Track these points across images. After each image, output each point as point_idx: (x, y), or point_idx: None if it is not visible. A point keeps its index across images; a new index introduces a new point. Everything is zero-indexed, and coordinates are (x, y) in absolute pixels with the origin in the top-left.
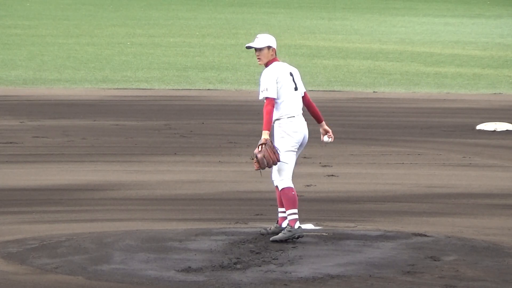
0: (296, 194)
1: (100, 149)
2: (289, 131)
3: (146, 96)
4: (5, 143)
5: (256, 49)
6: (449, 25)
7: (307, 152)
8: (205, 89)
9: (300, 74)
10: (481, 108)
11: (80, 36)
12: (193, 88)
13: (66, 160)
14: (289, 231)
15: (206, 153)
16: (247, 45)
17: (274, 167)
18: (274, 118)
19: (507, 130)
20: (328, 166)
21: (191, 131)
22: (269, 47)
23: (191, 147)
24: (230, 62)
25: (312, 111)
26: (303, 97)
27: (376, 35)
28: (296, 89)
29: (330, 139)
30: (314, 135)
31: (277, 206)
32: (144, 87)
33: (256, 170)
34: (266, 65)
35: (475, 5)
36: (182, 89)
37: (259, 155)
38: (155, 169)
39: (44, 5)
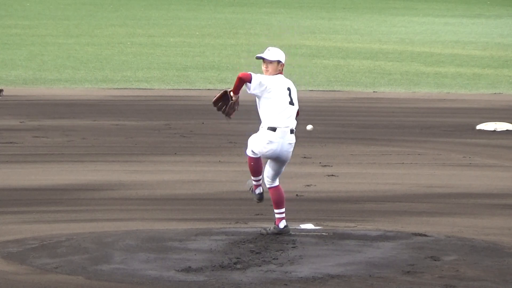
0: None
1: (100, 149)
2: (263, 141)
3: (146, 96)
4: (5, 143)
5: (266, 60)
6: (449, 25)
7: (307, 152)
8: (205, 89)
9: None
10: (481, 108)
11: (80, 36)
12: (193, 88)
13: (66, 160)
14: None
15: (206, 153)
16: (257, 55)
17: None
18: (261, 124)
19: (507, 130)
20: (328, 166)
21: (191, 131)
22: (278, 62)
23: (191, 147)
24: (230, 62)
25: None
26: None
27: (376, 35)
28: (291, 103)
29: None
30: (313, 135)
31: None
32: (144, 87)
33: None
34: None
35: (475, 5)
36: (182, 89)
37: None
38: (155, 169)
39: (44, 5)
